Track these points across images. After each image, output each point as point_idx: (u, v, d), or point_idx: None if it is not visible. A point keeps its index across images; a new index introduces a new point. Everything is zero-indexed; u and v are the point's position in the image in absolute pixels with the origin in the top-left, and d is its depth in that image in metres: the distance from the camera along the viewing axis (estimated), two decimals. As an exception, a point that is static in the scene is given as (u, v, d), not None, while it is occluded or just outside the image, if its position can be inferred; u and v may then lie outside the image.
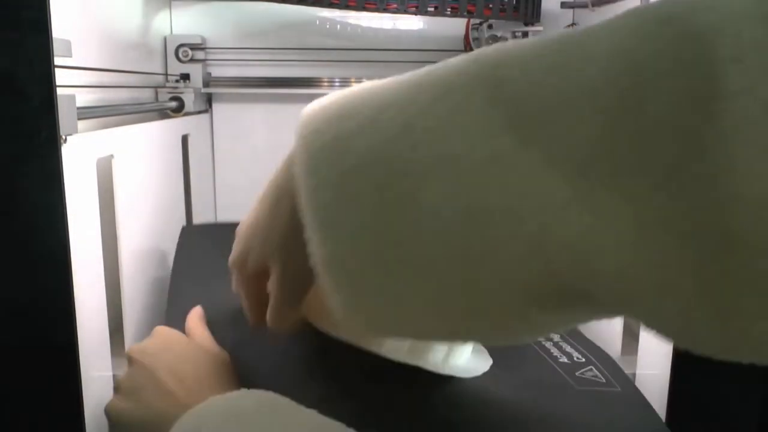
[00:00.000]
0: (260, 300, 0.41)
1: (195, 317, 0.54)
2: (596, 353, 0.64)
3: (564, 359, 0.62)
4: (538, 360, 0.62)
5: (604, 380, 0.59)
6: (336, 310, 0.30)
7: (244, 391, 0.38)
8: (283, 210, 0.35)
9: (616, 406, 0.55)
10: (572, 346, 0.65)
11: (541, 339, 0.65)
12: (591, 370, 0.61)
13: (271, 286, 0.38)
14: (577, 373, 0.60)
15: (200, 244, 0.76)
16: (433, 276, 0.27)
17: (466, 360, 0.51)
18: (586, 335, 0.68)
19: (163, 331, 0.52)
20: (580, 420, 0.51)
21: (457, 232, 0.26)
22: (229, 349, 0.52)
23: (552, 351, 0.64)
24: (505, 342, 0.33)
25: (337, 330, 0.44)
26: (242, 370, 0.50)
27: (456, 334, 0.32)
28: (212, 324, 0.56)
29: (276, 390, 0.38)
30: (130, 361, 0.50)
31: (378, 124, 0.28)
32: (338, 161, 0.29)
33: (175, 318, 0.58)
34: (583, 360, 0.62)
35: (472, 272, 0.26)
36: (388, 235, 0.27)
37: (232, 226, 0.64)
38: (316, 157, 0.30)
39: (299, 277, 0.36)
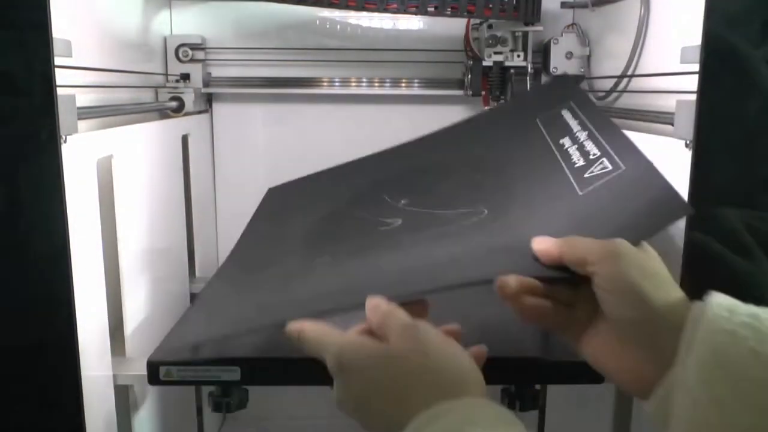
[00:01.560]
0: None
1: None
2: (616, 140, 0.60)
3: (581, 162, 0.60)
4: (552, 170, 0.60)
5: (611, 167, 0.57)
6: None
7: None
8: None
9: (620, 188, 0.54)
10: (595, 141, 0.61)
11: (568, 138, 0.64)
12: (602, 162, 0.58)
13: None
14: (586, 175, 0.58)
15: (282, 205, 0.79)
16: None
17: None
18: None
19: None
20: (585, 223, 0.50)
21: None
22: None
23: (572, 155, 0.61)
24: None
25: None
26: None
27: None
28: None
29: None
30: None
31: None
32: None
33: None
34: (599, 153, 0.59)
35: None
36: None
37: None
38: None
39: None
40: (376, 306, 0.44)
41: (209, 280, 0.68)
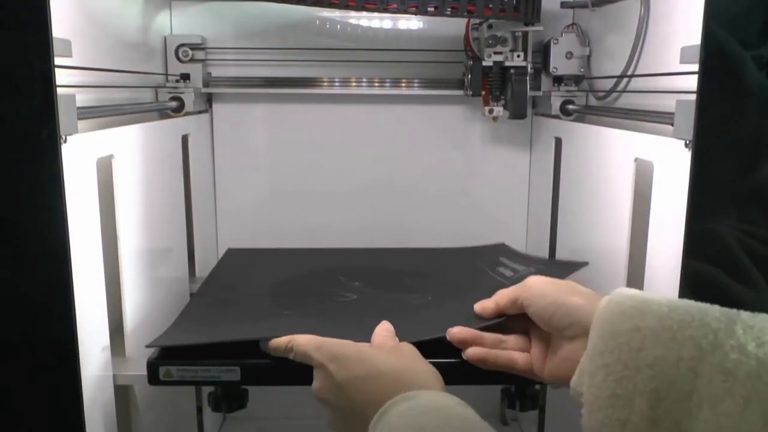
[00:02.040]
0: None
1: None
2: (539, 261, 0.78)
3: (509, 273, 0.78)
4: (486, 279, 0.77)
5: (533, 269, 0.74)
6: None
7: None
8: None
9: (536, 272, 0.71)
10: (524, 264, 0.79)
11: (502, 267, 0.81)
12: (526, 269, 0.76)
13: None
14: (513, 278, 0.75)
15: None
16: None
17: None
18: None
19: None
20: None
21: None
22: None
23: (504, 272, 0.79)
24: None
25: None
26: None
27: None
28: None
29: None
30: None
31: None
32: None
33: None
34: (524, 267, 0.78)
35: None
36: None
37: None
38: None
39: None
40: (382, 324, 0.57)
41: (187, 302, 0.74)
